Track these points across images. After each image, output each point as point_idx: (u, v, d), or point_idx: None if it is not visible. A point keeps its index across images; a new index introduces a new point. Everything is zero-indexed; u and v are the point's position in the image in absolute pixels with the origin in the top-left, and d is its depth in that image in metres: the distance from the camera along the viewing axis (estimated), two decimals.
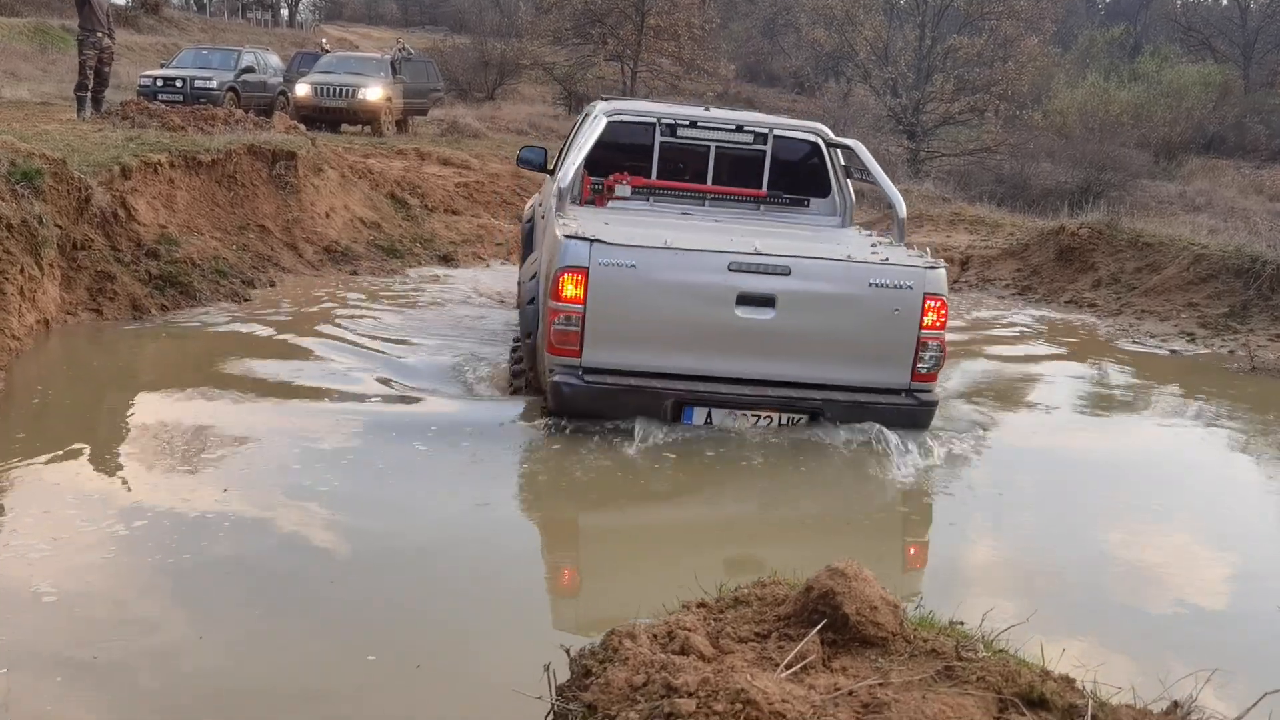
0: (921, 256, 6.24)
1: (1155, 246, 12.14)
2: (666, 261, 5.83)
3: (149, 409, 6.31)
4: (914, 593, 4.29)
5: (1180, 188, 26.95)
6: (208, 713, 3.36)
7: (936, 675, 2.07)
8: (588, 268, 5.74)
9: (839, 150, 7.66)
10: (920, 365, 6.02)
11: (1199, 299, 11.01)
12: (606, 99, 8.57)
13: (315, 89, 22.22)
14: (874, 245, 6.62)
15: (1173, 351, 9.83)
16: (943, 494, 5.62)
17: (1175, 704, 1.88)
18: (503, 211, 14.99)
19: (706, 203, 7.73)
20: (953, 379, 7.94)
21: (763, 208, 7.75)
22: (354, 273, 11.08)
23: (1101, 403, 7.93)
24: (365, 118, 22.30)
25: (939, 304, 6.01)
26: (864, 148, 7.33)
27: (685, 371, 5.96)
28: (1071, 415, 7.51)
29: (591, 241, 5.76)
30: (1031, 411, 7.55)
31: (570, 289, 5.78)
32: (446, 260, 12.53)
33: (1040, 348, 9.93)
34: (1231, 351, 9.66)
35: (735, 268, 5.85)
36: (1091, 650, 3.93)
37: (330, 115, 22.08)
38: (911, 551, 5.01)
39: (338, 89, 22.16)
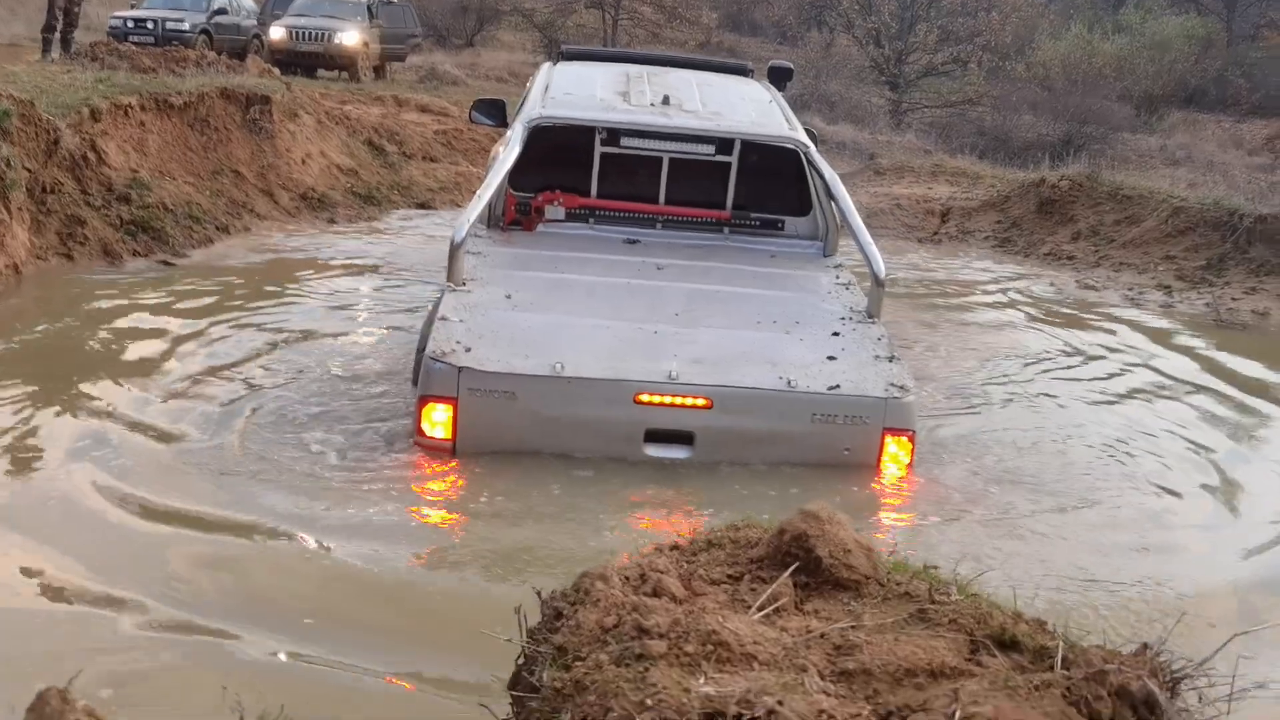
0: (892, 362, 5.05)
1: (1135, 199, 12.13)
2: (555, 392, 4.74)
3: (111, 354, 6.26)
4: (888, 539, 4.31)
5: (1161, 141, 26.93)
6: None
7: (909, 618, 2.07)
8: (456, 398, 4.71)
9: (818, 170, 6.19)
10: None
11: (1177, 252, 11.03)
12: (569, 49, 7.89)
13: (290, 32, 21.88)
14: (839, 326, 5.34)
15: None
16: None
17: (1145, 645, 1.88)
18: (482, 159, 14.80)
19: (659, 225, 6.50)
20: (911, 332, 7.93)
21: (727, 230, 6.56)
22: (331, 220, 10.97)
23: (1065, 353, 7.94)
24: (342, 63, 21.99)
25: (904, 440, 4.88)
26: (840, 183, 6.05)
27: None
28: (1033, 366, 7.50)
29: (459, 369, 4.69)
30: (985, 366, 7.45)
31: (435, 424, 4.76)
32: (425, 207, 12.47)
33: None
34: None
35: (644, 400, 4.79)
36: (1064, 597, 3.96)
37: (306, 60, 21.75)
38: (884, 499, 5.00)
39: (313, 33, 21.81)
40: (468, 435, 4.76)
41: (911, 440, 4.93)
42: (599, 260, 5.97)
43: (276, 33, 22.01)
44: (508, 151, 5.92)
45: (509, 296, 5.32)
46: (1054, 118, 25.62)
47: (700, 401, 4.79)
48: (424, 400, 4.80)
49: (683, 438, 4.85)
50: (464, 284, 5.36)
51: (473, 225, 5.47)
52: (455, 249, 5.31)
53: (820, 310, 5.57)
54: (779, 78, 7.84)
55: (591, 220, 6.47)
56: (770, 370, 4.93)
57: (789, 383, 4.85)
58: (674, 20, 34.03)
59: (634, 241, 6.34)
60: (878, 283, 5.45)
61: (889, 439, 4.86)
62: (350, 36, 21.96)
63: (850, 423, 4.83)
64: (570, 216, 6.43)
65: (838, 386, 4.86)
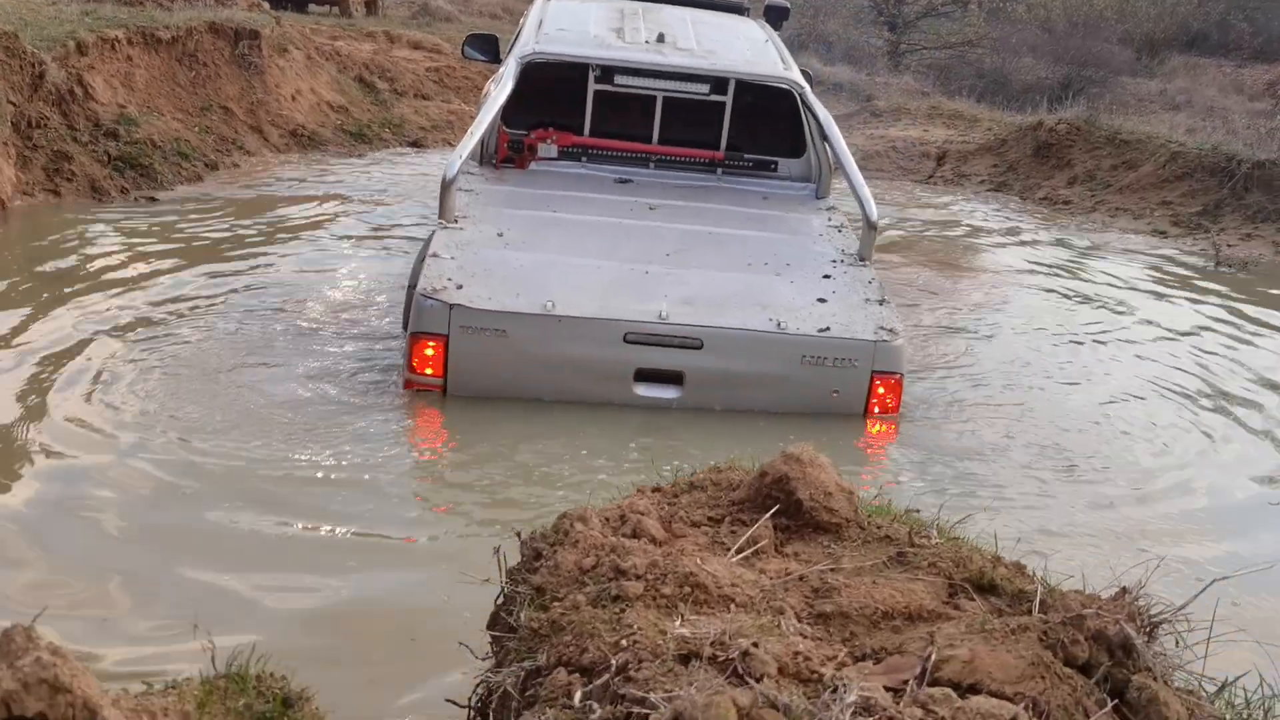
0: (882, 305, 5.07)
1: (1132, 144, 12.05)
2: (546, 330, 4.74)
3: (91, 287, 6.21)
4: (869, 482, 4.31)
5: (1161, 86, 26.62)
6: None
7: (889, 561, 2.07)
8: (447, 335, 4.72)
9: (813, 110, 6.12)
10: None
11: (1173, 197, 10.98)
12: None
13: None
14: (830, 269, 5.37)
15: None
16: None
17: (1123, 590, 1.88)
18: (474, 97, 14.65)
19: (652, 164, 6.48)
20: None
21: (720, 171, 6.55)
22: (321, 157, 10.86)
23: (1058, 298, 7.93)
24: None
25: (892, 383, 4.90)
26: (834, 125, 5.96)
27: None
28: (1025, 310, 7.48)
29: (451, 306, 4.69)
30: (976, 311, 7.45)
31: (426, 361, 4.76)
32: (416, 145, 12.35)
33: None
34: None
35: (634, 339, 4.80)
36: (1044, 542, 3.98)
37: None
38: (868, 444, 5.00)
39: None
40: (458, 374, 4.77)
41: (900, 384, 4.95)
42: (591, 199, 5.95)
43: None
44: (500, 88, 5.89)
45: (501, 234, 5.33)
46: (1054, 60, 25.35)
47: (690, 342, 4.81)
48: (415, 338, 4.78)
49: (672, 378, 4.88)
50: (456, 221, 5.36)
51: (465, 163, 5.47)
52: (447, 186, 5.30)
53: (812, 252, 5.59)
54: (775, 17, 7.75)
55: (584, 159, 6.45)
56: (761, 312, 4.95)
57: (779, 324, 4.88)
58: None
59: (626, 181, 6.32)
60: (870, 226, 5.46)
61: (878, 382, 4.89)
62: None
63: (839, 365, 4.85)
64: (563, 155, 6.41)
65: (828, 329, 4.89)
